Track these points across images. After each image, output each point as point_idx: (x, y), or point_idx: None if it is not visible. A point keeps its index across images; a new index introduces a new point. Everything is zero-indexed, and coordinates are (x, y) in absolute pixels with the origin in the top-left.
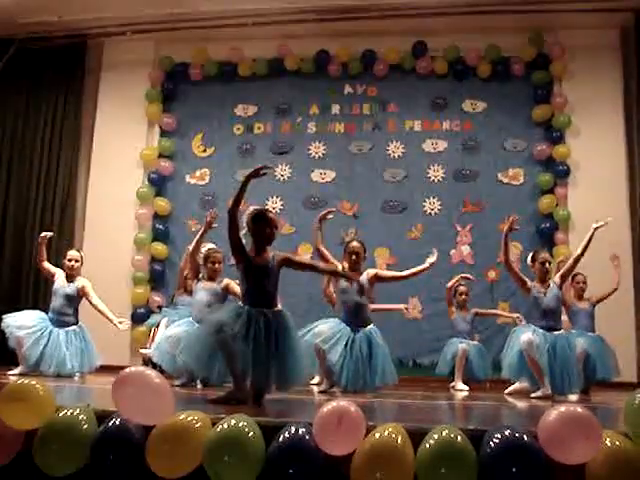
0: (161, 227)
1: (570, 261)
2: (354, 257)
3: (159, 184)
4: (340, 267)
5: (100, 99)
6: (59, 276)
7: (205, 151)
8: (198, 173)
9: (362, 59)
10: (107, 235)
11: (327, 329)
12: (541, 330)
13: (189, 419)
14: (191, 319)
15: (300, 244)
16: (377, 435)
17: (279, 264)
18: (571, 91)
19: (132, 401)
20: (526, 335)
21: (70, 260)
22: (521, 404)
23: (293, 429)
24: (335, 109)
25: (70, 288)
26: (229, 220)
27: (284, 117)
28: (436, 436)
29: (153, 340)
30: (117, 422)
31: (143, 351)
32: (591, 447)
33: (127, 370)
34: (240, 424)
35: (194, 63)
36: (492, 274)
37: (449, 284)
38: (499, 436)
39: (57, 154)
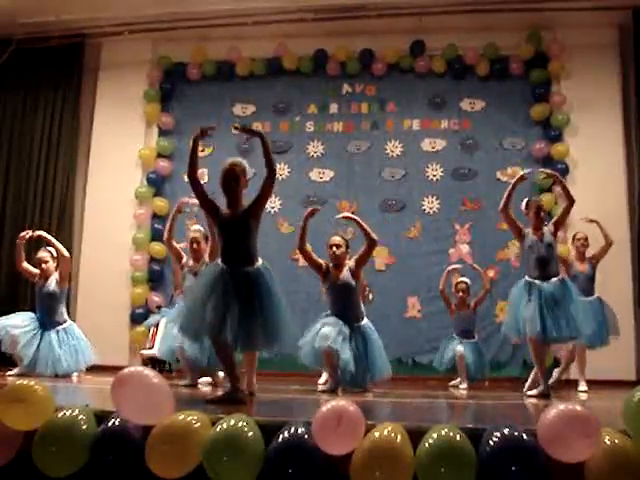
0: (160, 227)
1: (561, 210)
2: (334, 249)
3: (158, 184)
4: (324, 266)
5: (98, 99)
6: (37, 282)
7: (203, 151)
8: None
9: (360, 58)
10: (106, 235)
11: (332, 330)
12: (537, 281)
13: (188, 419)
14: (181, 302)
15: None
16: (376, 434)
17: (249, 214)
18: (569, 90)
19: (131, 401)
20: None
21: (40, 263)
22: (520, 402)
23: (292, 429)
24: (333, 108)
25: (51, 286)
26: (190, 183)
27: (282, 116)
28: (435, 435)
29: (153, 340)
30: (116, 422)
31: (144, 352)
32: (590, 445)
33: (126, 370)
34: (239, 424)
35: (192, 63)
36: (491, 272)
37: (440, 286)
38: (498, 434)
39: (55, 154)
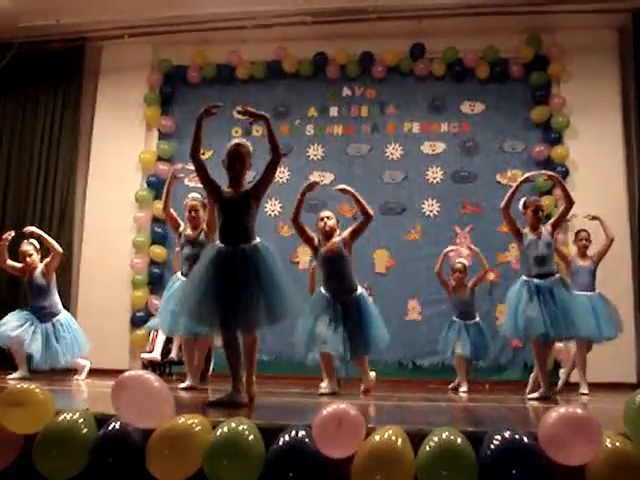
0: (160, 230)
1: (560, 210)
2: (325, 221)
3: (158, 187)
4: (317, 240)
5: (98, 102)
6: (24, 270)
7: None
8: (196, 176)
9: (360, 61)
10: (106, 238)
11: (323, 328)
12: (535, 280)
13: (189, 423)
14: (180, 276)
15: (299, 246)
16: (377, 437)
17: (250, 194)
18: (569, 92)
19: (131, 405)
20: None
21: (24, 257)
22: (521, 405)
23: (293, 432)
24: (333, 111)
25: (38, 279)
26: (193, 164)
27: (282, 120)
28: (436, 438)
29: (153, 344)
30: (116, 426)
31: (144, 355)
32: (591, 448)
33: (126, 374)
34: (240, 427)
35: (192, 66)
36: (491, 275)
37: (436, 268)
38: (499, 437)
39: (56, 157)
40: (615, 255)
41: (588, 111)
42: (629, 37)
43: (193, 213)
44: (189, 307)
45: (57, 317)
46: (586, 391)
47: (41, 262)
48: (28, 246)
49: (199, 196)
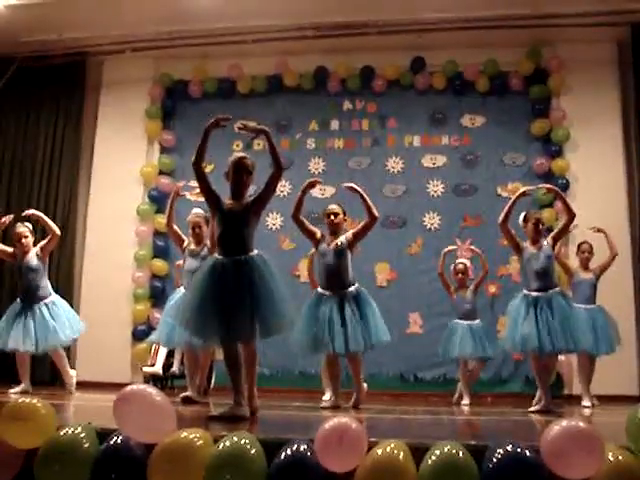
0: (161, 244)
1: (561, 223)
2: (332, 217)
3: (159, 201)
4: (319, 234)
5: (100, 116)
6: (17, 255)
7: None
8: (198, 190)
9: (361, 75)
10: (107, 252)
11: (324, 330)
12: (533, 293)
13: (191, 437)
14: (182, 289)
15: (300, 260)
16: (379, 451)
17: (251, 207)
18: (569, 105)
19: (134, 419)
20: None
21: (19, 239)
22: (523, 419)
23: (294, 446)
24: (334, 125)
25: (32, 261)
26: (195, 173)
27: (283, 133)
28: (438, 452)
29: (155, 358)
30: (118, 440)
31: (146, 369)
32: (594, 462)
33: (129, 388)
34: (241, 441)
35: (193, 80)
36: (492, 288)
37: (439, 269)
38: (501, 451)
39: (57, 171)
40: (616, 267)
41: (588, 124)
42: (628, 50)
43: (197, 230)
44: (186, 318)
45: (47, 300)
46: (588, 404)
47: (34, 246)
48: (23, 228)
49: (202, 212)
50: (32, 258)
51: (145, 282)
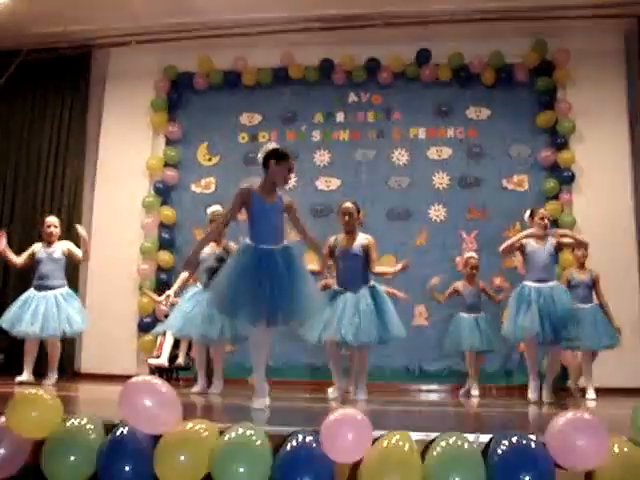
0: (167, 236)
1: (573, 242)
2: (347, 217)
3: (165, 193)
4: (331, 241)
5: (105, 109)
6: (38, 248)
7: (210, 160)
8: (203, 182)
9: (366, 67)
10: (113, 244)
11: (331, 314)
12: (534, 284)
13: (196, 428)
14: (199, 285)
15: (307, 251)
16: (384, 443)
17: (285, 206)
18: (575, 97)
19: (139, 410)
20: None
21: (49, 226)
22: (529, 410)
23: (300, 437)
24: (340, 117)
25: (56, 252)
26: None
27: (289, 125)
28: (443, 443)
29: (160, 349)
30: (124, 431)
31: (151, 361)
32: (599, 453)
33: (134, 379)
34: (247, 432)
35: (199, 72)
36: (497, 280)
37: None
38: (507, 442)
39: (63, 164)
40: (622, 259)
41: (594, 116)
42: (635, 42)
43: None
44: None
45: (63, 289)
46: (593, 396)
47: (58, 239)
48: (54, 218)
49: (221, 209)
50: (56, 250)
51: (151, 274)
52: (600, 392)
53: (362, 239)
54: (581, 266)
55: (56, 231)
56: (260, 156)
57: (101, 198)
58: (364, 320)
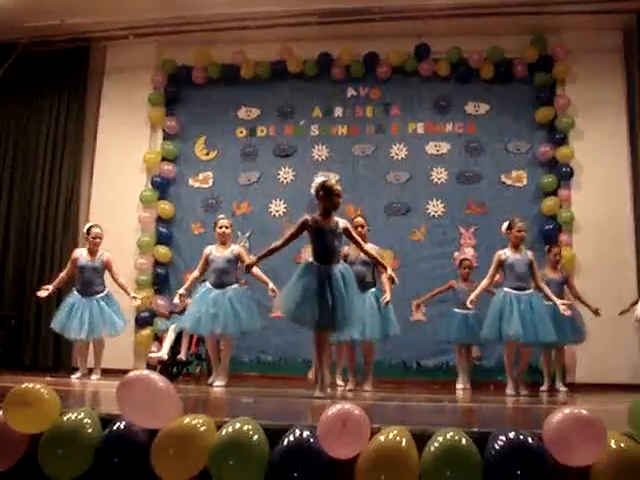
0: (165, 230)
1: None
2: (359, 229)
3: (162, 187)
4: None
5: (103, 103)
6: (81, 255)
7: (208, 154)
8: (201, 176)
9: (365, 62)
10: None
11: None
12: (514, 291)
13: (194, 423)
14: (208, 284)
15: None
16: (382, 438)
17: (343, 229)
18: (574, 93)
19: (137, 405)
20: None
21: (95, 237)
22: (525, 406)
23: (297, 432)
24: (338, 112)
25: (97, 261)
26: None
27: (287, 120)
28: (440, 438)
29: (162, 345)
30: (122, 426)
31: (152, 355)
32: (596, 449)
33: (132, 373)
34: (244, 427)
35: (197, 66)
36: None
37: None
38: (503, 438)
39: (60, 158)
40: (620, 256)
41: (593, 112)
42: (634, 37)
43: (225, 230)
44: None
45: (103, 293)
46: (564, 389)
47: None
48: (100, 230)
49: (226, 221)
50: (99, 259)
51: (148, 269)
52: (600, 388)
53: (370, 249)
54: (554, 266)
55: (99, 242)
56: (312, 190)
57: (99, 192)
58: (368, 317)
